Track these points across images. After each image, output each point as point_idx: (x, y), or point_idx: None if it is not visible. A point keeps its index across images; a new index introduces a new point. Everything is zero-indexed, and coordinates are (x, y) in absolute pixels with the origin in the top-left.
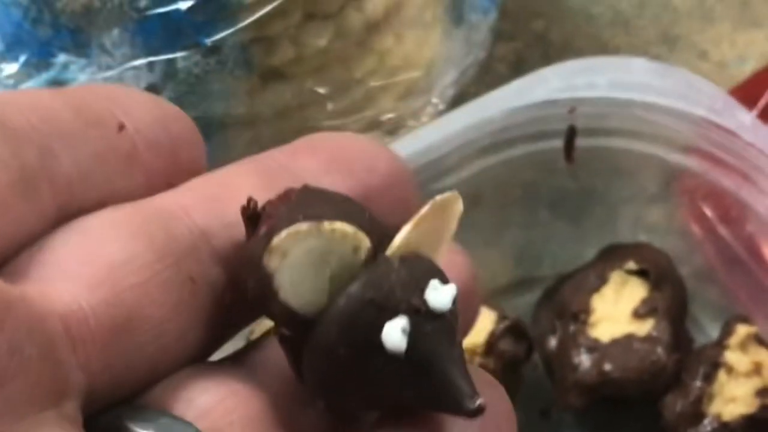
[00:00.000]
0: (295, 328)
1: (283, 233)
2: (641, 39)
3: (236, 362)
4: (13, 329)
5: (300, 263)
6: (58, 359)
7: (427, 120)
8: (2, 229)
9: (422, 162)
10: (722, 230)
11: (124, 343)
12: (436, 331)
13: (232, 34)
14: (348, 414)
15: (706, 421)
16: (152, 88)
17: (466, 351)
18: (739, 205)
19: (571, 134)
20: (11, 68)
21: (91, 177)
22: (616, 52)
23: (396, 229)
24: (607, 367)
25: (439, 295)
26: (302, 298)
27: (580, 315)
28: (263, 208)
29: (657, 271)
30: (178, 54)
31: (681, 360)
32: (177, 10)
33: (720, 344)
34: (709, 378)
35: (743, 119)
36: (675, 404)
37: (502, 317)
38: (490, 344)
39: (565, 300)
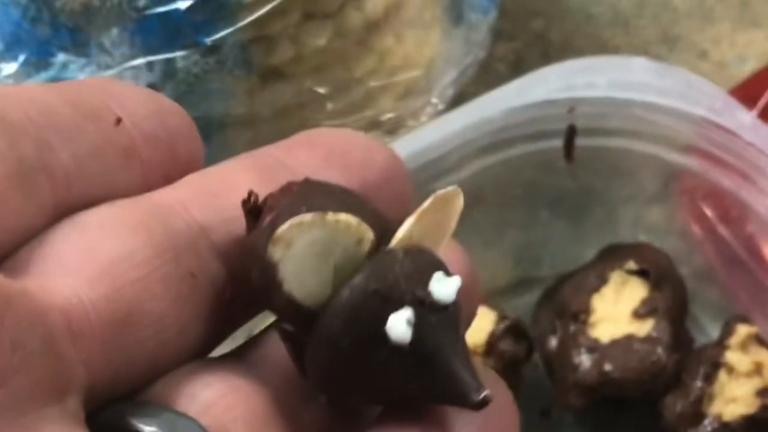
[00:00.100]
0: (298, 321)
1: (288, 223)
2: (641, 39)
3: (237, 358)
4: (15, 324)
5: (304, 254)
6: (60, 354)
7: (426, 120)
8: (1, 223)
9: (422, 162)
10: (722, 230)
11: (125, 338)
12: (441, 323)
13: (231, 34)
14: (350, 409)
15: (706, 422)
16: (151, 88)
17: None
18: (739, 205)
19: (570, 134)
20: (10, 68)
21: (88, 171)
22: (615, 51)
23: (395, 224)
24: (608, 367)
25: (444, 287)
26: (306, 290)
27: (580, 315)
28: (264, 201)
29: (657, 271)
30: (178, 53)
31: (681, 360)
32: (176, 10)
33: (720, 344)
34: (710, 378)
35: (743, 119)
36: (675, 404)
37: (502, 317)
38: (490, 344)
39: (565, 300)
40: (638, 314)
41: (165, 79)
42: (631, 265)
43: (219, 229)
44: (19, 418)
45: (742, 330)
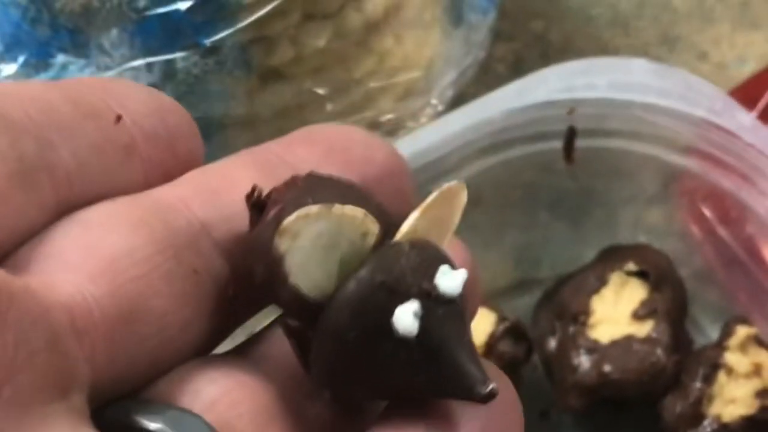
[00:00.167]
0: (303, 314)
1: (294, 214)
2: (641, 40)
3: (240, 354)
4: (18, 321)
5: (310, 246)
6: (64, 351)
7: (426, 121)
8: (3, 221)
9: (421, 163)
10: (722, 231)
11: (128, 335)
12: (447, 316)
13: (231, 35)
14: (354, 404)
15: (705, 423)
16: None
17: None
18: (738, 206)
19: (570, 135)
20: (10, 69)
21: (89, 169)
22: (615, 52)
23: (397, 219)
24: (607, 368)
25: (450, 280)
26: (311, 283)
27: (580, 316)
28: (268, 195)
29: (657, 273)
30: (177, 54)
31: (681, 361)
32: (176, 11)
33: (720, 345)
34: (709, 379)
35: (743, 120)
36: (675, 405)
37: (501, 318)
38: (490, 345)
39: (565, 301)
40: (638, 315)
41: (165, 80)
42: (631, 266)
43: (220, 226)
44: (24, 414)
45: (742, 331)
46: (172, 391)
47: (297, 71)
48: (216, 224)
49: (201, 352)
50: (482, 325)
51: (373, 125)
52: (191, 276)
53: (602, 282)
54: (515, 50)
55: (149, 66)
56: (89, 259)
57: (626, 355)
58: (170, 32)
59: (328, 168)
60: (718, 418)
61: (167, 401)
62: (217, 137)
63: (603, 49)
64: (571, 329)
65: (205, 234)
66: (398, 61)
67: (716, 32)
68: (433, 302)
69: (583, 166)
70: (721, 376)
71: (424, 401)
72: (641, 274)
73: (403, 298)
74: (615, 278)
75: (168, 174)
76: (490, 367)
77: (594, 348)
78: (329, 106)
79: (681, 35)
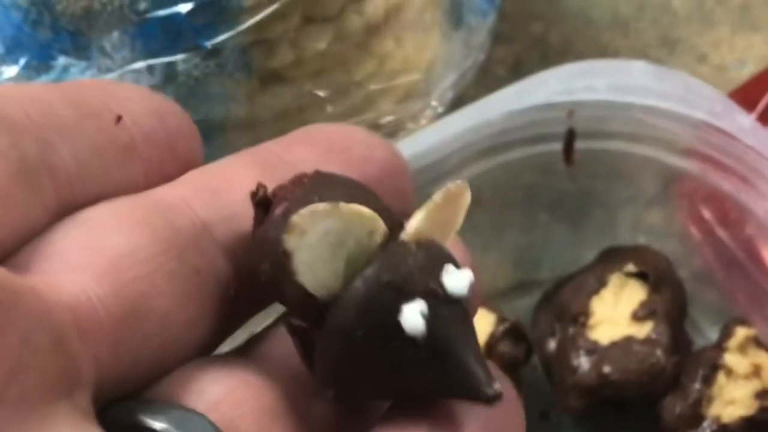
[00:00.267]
0: (308, 313)
1: (303, 212)
2: (640, 42)
3: (243, 354)
4: (23, 320)
5: (318, 243)
6: (69, 351)
7: (426, 123)
8: (5, 221)
9: (421, 165)
10: (721, 233)
11: (132, 335)
12: (453, 315)
13: (231, 37)
14: (357, 404)
15: (705, 424)
16: None
17: None
18: (738, 208)
19: (570, 137)
20: (11, 71)
21: (90, 169)
22: (615, 55)
23: (401, 218)
24: (607, 369)
25: (456, 280)
26: (318, 281)
27: (580, 317)
28: (274, 193)
29: (656, 274)
30: (178, 57)
31: (680, 362)
32: (177, 13)
33: (719, 346)
34: (708, 380)
35: (742, 122)
36: (674, 406)
37: (501, 319)
38: (490, 346)
39: (565, 302)
40: (637, 316)
41: (166, 83)
42: (631, 267)
43: (221, 226)
44: (29, 413)
45: (741, 332)
46: (176, 391)
47: (297, 74)
48: (217, 224)
49: (203, 351)
50: (482, 325)
51: (373, 127)
52: (194, 275)
53: (602, 283)
54: (515, 52)
55: (150, 68)
56: (93, 259)
57: (626, 356)
58: (171, 35)
59: (327, 167)
60: (717, 419)
61: (171, 401)
62: (218, 139)
63: (602, 51)
64: (571, 330)
65: (207, 233)
66: (398, 64)
67: (716, 35)
68: (439, 302)
69: (583, 168)
70: (721, 377)
71: (426, 401)
72: (641, 276)
73: (410, 298)
74: (614, 279)
75: (168, 174)
76: (492, 368)
77: (594, 349)
78: (329, 109)
79: (681, 37)
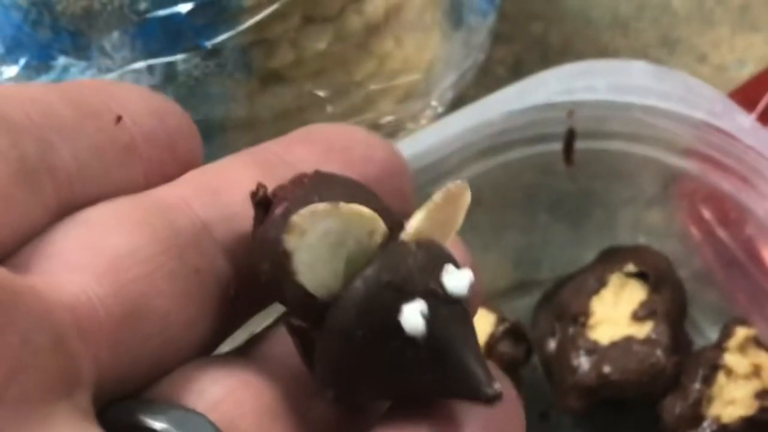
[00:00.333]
0: (308, 313)
1: (303, 212)
2: (640, 42)
3: (243, 354)
4: (23, 320)
5: (318, 243)
6: (69, 350)
7: (426, 123)
8: (6, 221)
9: (421, 165)
10: (721, 233)
11: (132, 335)
12: (453, 315)
13: (232, 37)
14: (356, 404)
15: (705, 424)
16: None
17: None
18: (738, 208)
19: (570, 137)
20: (11, 71)
21: (90, 169)
22: (615, 55)
23: (400, 218)
24: (607, 369)
25: (456, 280)
26: (318, 281)
27: (580, 317)
28: (274, 193)
29: (656, 274)
30: (178, 57)
31: (680, 362)
32: (177, 13)
33: (719, 346)
34: (708, 380)
35: (742, 122)
36: (674, 406)
37: (501, 319)
38: (490, 346)
39: (565, 302)
40: (637, 316)
41: (166, 83)
42: (631, 267)
43: (221, 226)
44: (30, 413)
45: (741, 332)
46: (176, 391)
47: (297, 74)
48: (217, 224)
49: (203, 351)
50: (482, 325)
51: (373, 127)
52: (194, 275)
53: (602, 283)
54: (515, 52)
55: (150, 68)
56: (93, 259)
57: (626, 356)
58: (171, 35)
59: (327, 167)
60: (717, 419)
61: (171, 401)
62: (218, 139)
63: (602, 51)
64: (571, 330)
65: (207, 233)
66: (398, 64)
67: (716, 35)
68: (439, 302)
69: (583, 168)
70: (721, 377)
71: (426, 401)
72: (641, 276)
73: (410, 298)
74: (614, 279)
75: (168, 174)
76: (492, 368)
77: (593, 349)
78: (329, 109)
79: (681, 38)
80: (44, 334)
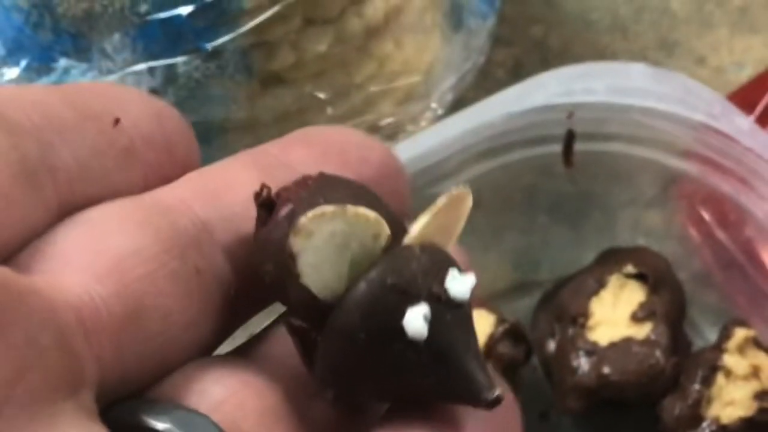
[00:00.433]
0: (311, 314)
1: (309, 214)
2: (639, 44)
3: (244, 354)
4: (28, 320)
5: (324, 245)
6: (73, 350)
7: (426, 125)
8: (8, 222)
9: (421, 166)
10: (720, 234)
11: (135, 334)
12: (455, 320)
13: (232, 40)
14: (357, 405)
15: (704, 425)
16: (153, 93)
17: None
18: (737, 210)
19: (569, 139)
20: (12, 73)
21: (90, 171)
22: (614, 57)
23: (400, 220)
24: (606, 370)
25: (460, 284)
26: (322, 283)
27: (579, 318)
28: (277, 194)
29: (655, 275)
30: (179, 59)
31: (679, 363)
32: (178, 16)
33: (718, 348)
34: (708, 381)
35: (741, 124)
36: (673, 407)
37: (500, 320)
38: (489, 347)
39: (564, 303)
40: (636, 318)
41: (166, 85)
42: (630, 268)
43: (221, 226)
44: (35, 412)
45: (740, 333)
46: (178, 391)
47: (298, 76)
48: (217, 224)
49: (204, 351)
50: (481, 326)
51: (373, 129)
52: (195, 276)
53: (601, 284)
54: (515, 55)
55: (151, 70)
56: (95, 259)
57: (625, 357)
58: (172, 37)
59: (325, 169)
60: (716, 419)
61: (173, 401)
62: (218, 141)
63: (602, 53)
64: (570, 331)
65: (207, 234)
66: (398, 66)
67: (715, 37)
68: (442, 306)
69: (582, 170)
70: (720, 378)
71: (425, 404)
72: (640, 277)
73: (413, 301)
74: (614, 280)
75: (166, 176)
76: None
77: (593, 350)
78: (330, 110)
79: (679, 40)
80: (49, 333)
